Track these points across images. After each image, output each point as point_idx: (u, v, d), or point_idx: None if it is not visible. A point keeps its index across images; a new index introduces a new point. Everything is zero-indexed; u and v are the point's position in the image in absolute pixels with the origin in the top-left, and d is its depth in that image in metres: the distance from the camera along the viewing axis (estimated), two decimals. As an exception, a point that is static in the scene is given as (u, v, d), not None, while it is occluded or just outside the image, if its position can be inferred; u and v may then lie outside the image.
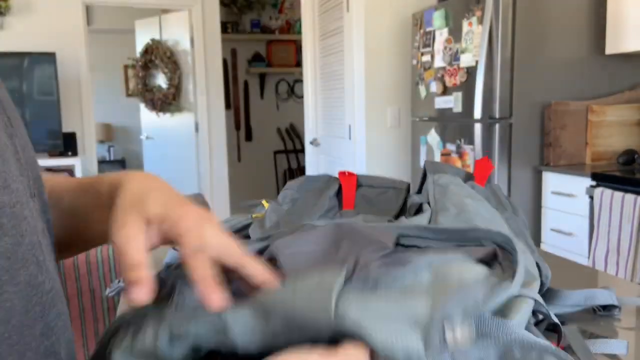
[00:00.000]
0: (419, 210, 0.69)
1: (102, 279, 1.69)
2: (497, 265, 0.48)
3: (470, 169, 2.51)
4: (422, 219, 0.64)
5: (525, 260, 0.53)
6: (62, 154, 4.07)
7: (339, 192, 0.81)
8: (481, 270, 0.42)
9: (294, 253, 0.48)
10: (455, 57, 2.58)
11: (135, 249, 0.40)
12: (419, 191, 0.83)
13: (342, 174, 0.83)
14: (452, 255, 0.45)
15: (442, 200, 0.67)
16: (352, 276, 0.42)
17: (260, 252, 0.49)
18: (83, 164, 4.20)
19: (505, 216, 0.68)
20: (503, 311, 0.40)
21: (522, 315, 0.42)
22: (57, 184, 0.53)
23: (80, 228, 0.52)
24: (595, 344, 0.53)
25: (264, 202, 0.90)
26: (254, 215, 0.86)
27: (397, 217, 0.74)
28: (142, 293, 0.39)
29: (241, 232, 0.86)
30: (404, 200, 0.79)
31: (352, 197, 0.80)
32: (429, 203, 0.68)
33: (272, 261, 0.47)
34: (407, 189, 0.81)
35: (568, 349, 0.52)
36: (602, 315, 0.65)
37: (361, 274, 0.42)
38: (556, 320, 0.49)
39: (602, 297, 0.63)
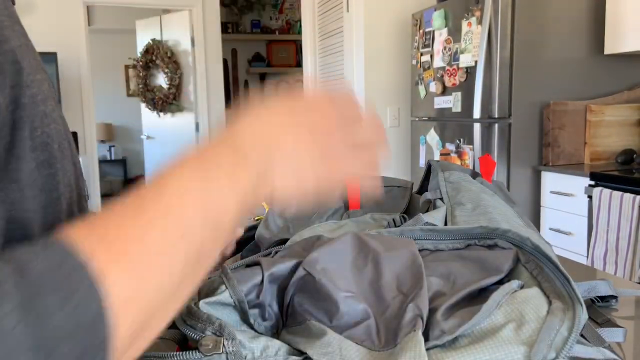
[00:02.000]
0: (431, 207, 0.70)
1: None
2: (522, 268, 0.51)
3: (470, 168, 2.52)
4: (438, 214, 0.65)
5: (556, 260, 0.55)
6: (63, 153, 4.09)
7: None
8: (543, 298, 0.45)
9: (324, 269, 0.49)
10: (454, 57, 2.59)
11: None
12: (421, 189, 0.83)
13: None
14: (509, 286, 0.47)
15: (456, 196, 0.68)
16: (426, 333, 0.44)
17: (293, 269, 0.50)
18: (84, 164, 4.21)
19: (515, 210, 0.70)
20: None
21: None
22: None
23: None
24: (604, 332, 0.56)
25: (263, 204, 0.91)
26: (256, 218, 0.87)
27: (404, 214, 0.75)
28: None
29: (245, 234, 0.87)
30: (409, 199, 0.80)
31: (357, 197, 0.81)
32: (441, 199, 0.69)
33: (307, 277, 0.49)
34: (411, 188, 0.82)
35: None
36: (600, 305, 0.68)
37: (433, 328, 0.44)
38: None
39: (603, 288, 0.67)
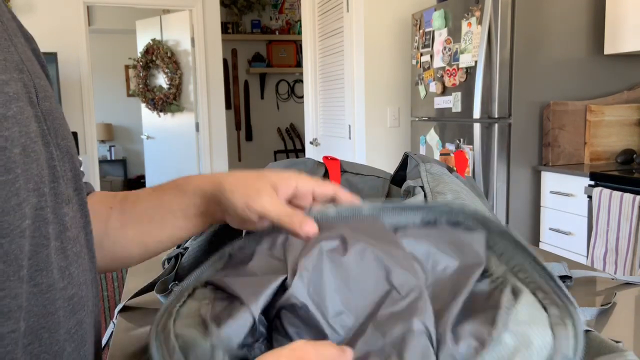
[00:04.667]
0: (410, 195, 0.72)
1: (103, 278, 1.70)
2: (490, 252, 0.50)
3: (470, 169, 2.52)
4: (416, 200, 0.67)
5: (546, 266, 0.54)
6: (63, 153, 4.08)
7: (324, 177, 0.84)
8: (540, 311, 0.44)
9: (309, 287, 0.46)
10: (454, 57, 2.59)
11: (282, 205, 0.50)
12: (394, 179, 0.86)
13: (326, 158, 0.85)
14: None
15: (437, 187, 0.70)
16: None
17: (278, 290, 0.46)
18: (84, 164, 4.22)
19: (485, 205, 0.74)
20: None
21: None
22: (134, 194, 0.60)
23: (153, 233, 0.58)
24: None
25: None
26: None
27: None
28: (311, 226, 0.48)
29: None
30: (388, 189, 0.83)
31: (337, 182, 0.83)
32: (422, 187, 0.72)
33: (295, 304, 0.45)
34: (390, 179, 0.86)
35: None
36: None
37: (443, 351, 0.42)
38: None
39: (558, 269, 0.73)
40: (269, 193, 0.52)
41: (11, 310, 0.35)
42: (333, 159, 0.85)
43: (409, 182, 0.74)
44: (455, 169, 0.82)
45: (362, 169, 0.85)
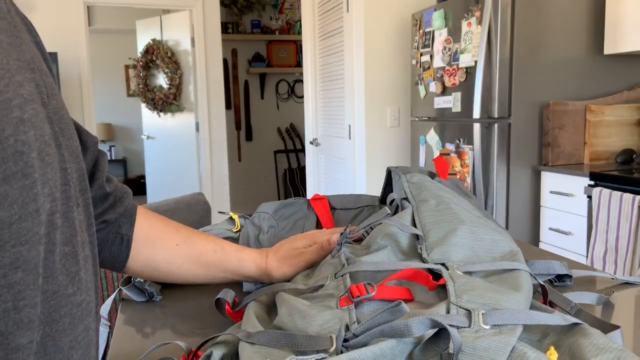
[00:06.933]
0: (399, 209, 0.75)
1: (103, 278, 1.70)
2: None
3: (470, 169, 2.52)
4: (406, 214, 0.70)
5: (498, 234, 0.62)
6: (63, 153, 4.08)
7: (317, 221, 0.88)
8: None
9: None
10: (454, 57, 2.59)
11: (317, 252, 0.73)
12: (384, 196, 0.90)
13: (313, 201, 0.89)
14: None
15: (420, 195, 0.74)
16: None
17: None
18: (84, 164, 4.21)
19: (472, 203, 0.77)
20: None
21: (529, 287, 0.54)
22: (199, 242, 0.73)
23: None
24: (571, 296, 0.63)
25: (231, 214, 0.94)
26: (235, 230, 0.91)
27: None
28: (333, 240, 0.71)
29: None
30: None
31: (329, 222, 0.88)
32: (406, 199, 0.75)
33: None
34: (379, 203, 0.90)
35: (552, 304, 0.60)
36: (557, 285, 0.76)
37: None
38: (541, 281, 0.59)
39: (558, 267, 0.75)
40: (308, 260, 0.74)
41: (31, 320, 0.35)
42: (320, 198, 0.89)
43: (392, 196, 0.78)
44: (438, 174, 0.84)
45: (349, 203, 0.89)
